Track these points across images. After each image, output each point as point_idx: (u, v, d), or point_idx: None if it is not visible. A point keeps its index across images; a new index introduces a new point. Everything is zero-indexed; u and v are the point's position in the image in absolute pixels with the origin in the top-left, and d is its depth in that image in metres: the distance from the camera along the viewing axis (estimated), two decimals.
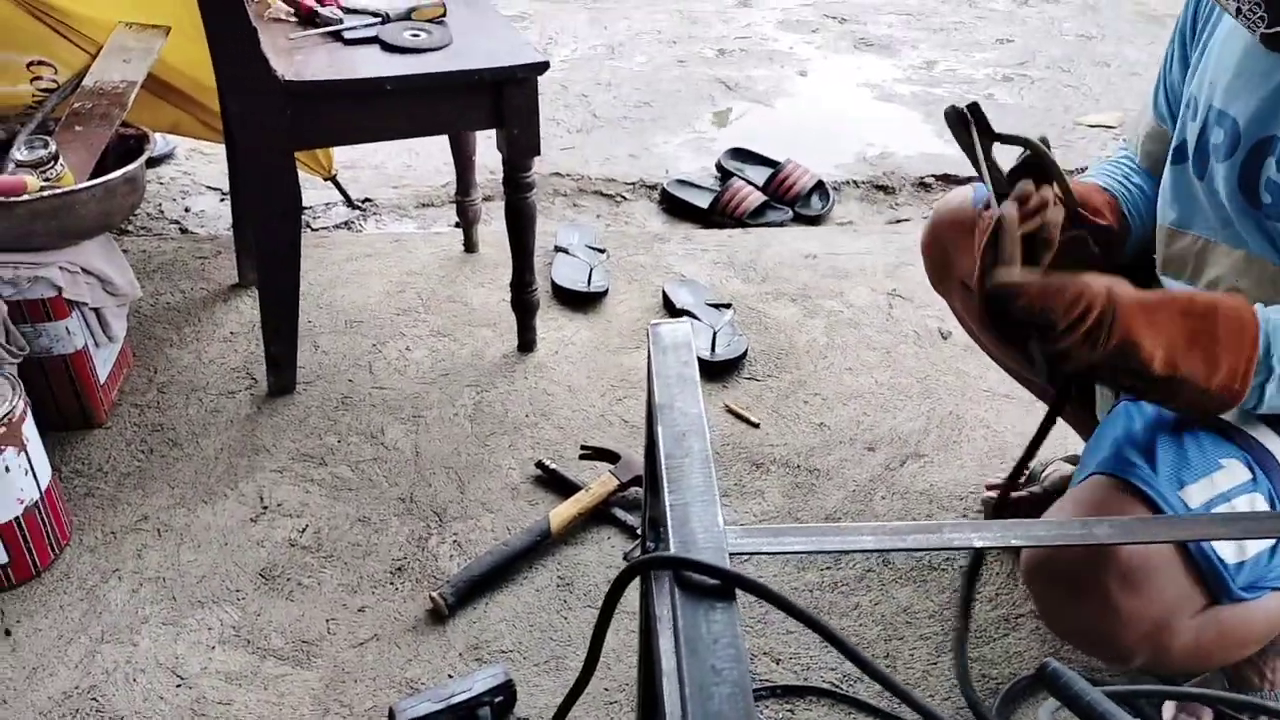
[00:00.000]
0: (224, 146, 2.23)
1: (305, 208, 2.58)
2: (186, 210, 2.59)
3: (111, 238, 1.85)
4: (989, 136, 1.08)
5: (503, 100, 1.74)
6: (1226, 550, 1.02)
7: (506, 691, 1.34)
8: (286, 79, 1.63)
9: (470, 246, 2.35)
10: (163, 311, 2.11)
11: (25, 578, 1.52)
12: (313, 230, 2.53)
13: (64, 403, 1.77)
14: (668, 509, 0.69)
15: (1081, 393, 1.38)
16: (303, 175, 2.15)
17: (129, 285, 1.84)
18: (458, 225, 2.50)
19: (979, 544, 0.76)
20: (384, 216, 2.61)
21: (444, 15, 1.88)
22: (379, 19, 1.84)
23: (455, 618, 1.49)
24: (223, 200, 2.63)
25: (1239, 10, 1.01)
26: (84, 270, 1.73)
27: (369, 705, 1.36)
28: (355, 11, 1.87)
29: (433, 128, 1.86)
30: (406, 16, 1.85)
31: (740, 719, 0.54)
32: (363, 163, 2.79)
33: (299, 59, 1.71)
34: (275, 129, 1.66)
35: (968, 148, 1.09)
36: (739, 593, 0.66)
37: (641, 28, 3.77)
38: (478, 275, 2.27)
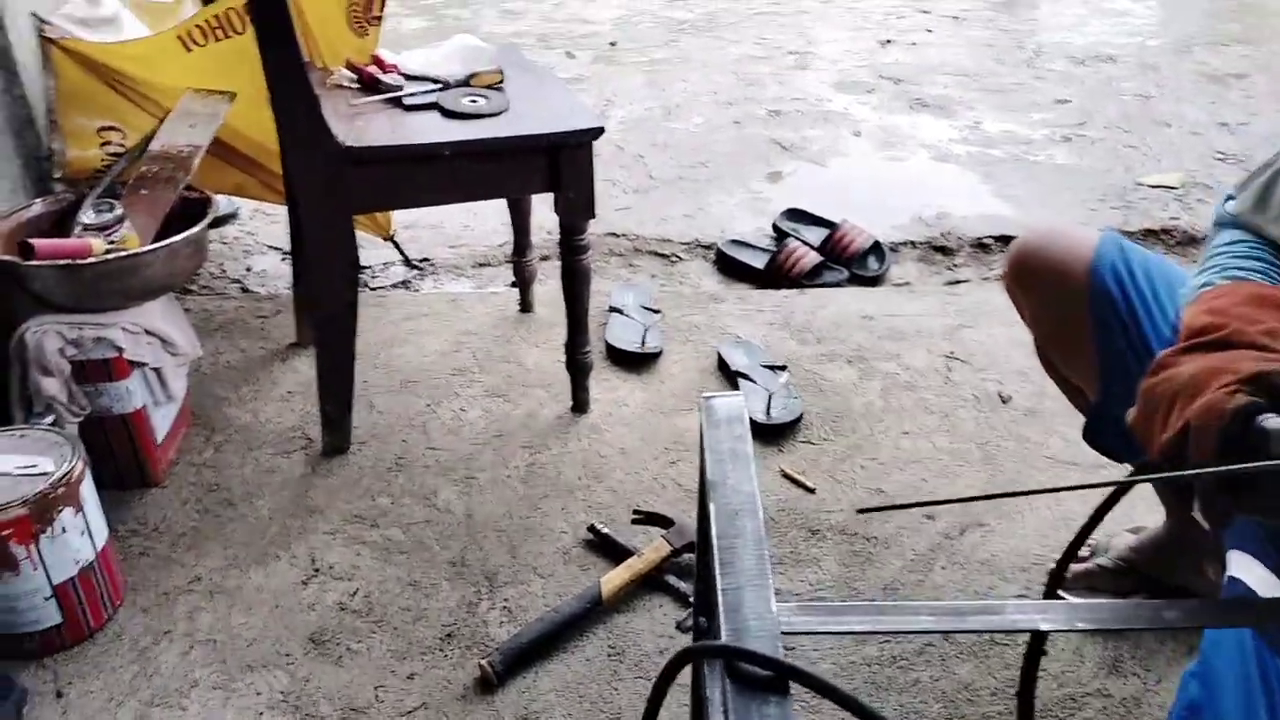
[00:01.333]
0: (285, 208, 2.28)
1: (364, 267, 2.61)
2: (248, 270, 2.63)
3: (174, 297, 1.88)
4: None
5: (559, 164, 1.75)
6: None
7: None
8: (347, 144, 1.65)
9: (526, 306, 2.36)
10: (222, 370, 2.14)
11: (78, 639, 1.53)
12: (371, 289, 2.56)
13: (122, 462, 1.79)
14: (719, 594, 0.67)
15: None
16: (362, 235, 2.19)
17: (189, 345, 1.86)
18: (513, 285, 2.52)
19: (1044, 627, 0.73)
20: (441, 276, 2.63)
21: (502, 81, 1.90)
22: (439, 85, 1.86)
23: (504, 687, 1.46)
24: (284, 260, 2.68)
25: None
26: (146, 331, 1.75)
27: None
28: (416, 78, 1.89)
29: (489, 192, 1.87)
30: (465, 83, 1.88)
31: None
32: (421, 223, 2.83)
33: (359, 124, 1.74)
34: (335, 192, 1.68)
35: None
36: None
37: (698, 89, 3.79)
38: (533, 335, 2.27)
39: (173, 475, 1.86)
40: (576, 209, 1.81)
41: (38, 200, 1.87)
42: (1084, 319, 1.30)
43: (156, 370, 1.80)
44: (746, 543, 0.71)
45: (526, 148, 1.73)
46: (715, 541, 0.70)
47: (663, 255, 2.71)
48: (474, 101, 1.82)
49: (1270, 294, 0.95)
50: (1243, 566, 1.08)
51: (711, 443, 0.80)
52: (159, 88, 1.99)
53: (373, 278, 2.62)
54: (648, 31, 4.45)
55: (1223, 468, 0.76)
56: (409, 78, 1.90)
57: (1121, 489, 1.05)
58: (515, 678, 1.47)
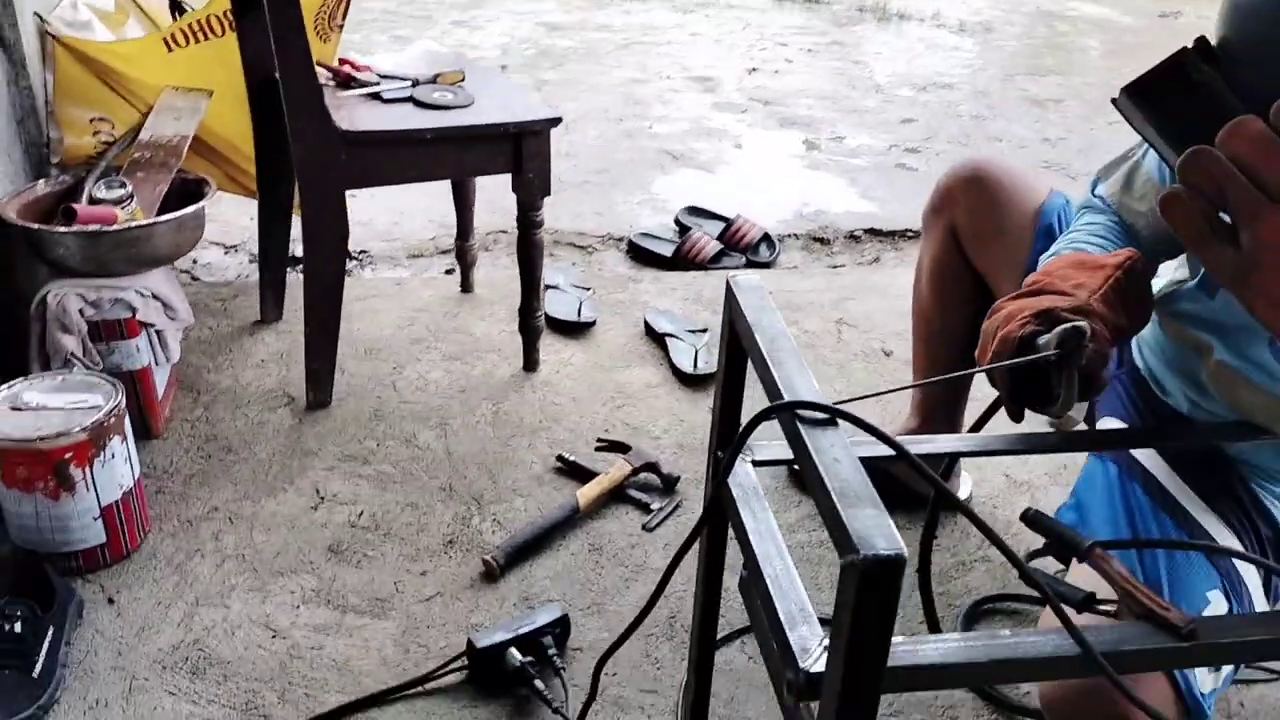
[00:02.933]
0: (247, 199, 2.50)
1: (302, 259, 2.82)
2: (194, 262, 2.81)
3: (171, 268, 2.08)
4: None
5: (521, 149, 2.05)
6: (1205, 680, 1.09)
7: (563, 624, 1.58)
8: (343, 129, 1.91)
9: (467, 287, 2.63)
10: (196, 344, 2.33)
11: (118, 557, 1.72)
12: None
13: (129, 414, 1.97)
14: (777, 379, 0.98)
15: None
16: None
17: (186, 312, 2.07)
18: (449, 272, 2.79)
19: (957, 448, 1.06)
20: (379, 265, 2.87)
21: (463, 80, 2.18)
22: (410, 83, 2.13)
23: (506, 577, 1.73)
24: (226, 253, 2.87)
25: None
26: (154, 295, 1.95)
27: (442, 645, 1.59)
28: (388, 76, 2.16)
29: (462, 171, 2.15)
30: (432, 80, 2.15)
31: (862, 480, 0.83)
32: (353, 220, 3.04)
33: (345, 114, 1.99)
34: (332, 171, 1.93)
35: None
36: None
37: (588, 107, 4.13)
38: (477, 311, 2.54)
39: (170, 429, 2.05)
40: (534, 189, 2.11)
41: (40, 181, 2.05)
42: (1026, 237, 1.57)
43: (159, 332, 2.00)
44: (787, 354, 1.02)
45: (495, 134, 2.02)
46: (766, 355, 1.01)
47: (580, 247, 3.02)
48: (444, 95, 2.09)
49: (1089, 259, 1.29)
50: (1106, 422, 1.47)
51: (746, 302, 1.11)
52: (143, 84, 2.19)
53: None
54: (533, 58, 4.77)
55: (986, 366, 1.13)
56: (382, 76, 2.16)
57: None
58: (514, 570, 1.75)
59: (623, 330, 2.49)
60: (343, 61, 2.21)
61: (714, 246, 2.90)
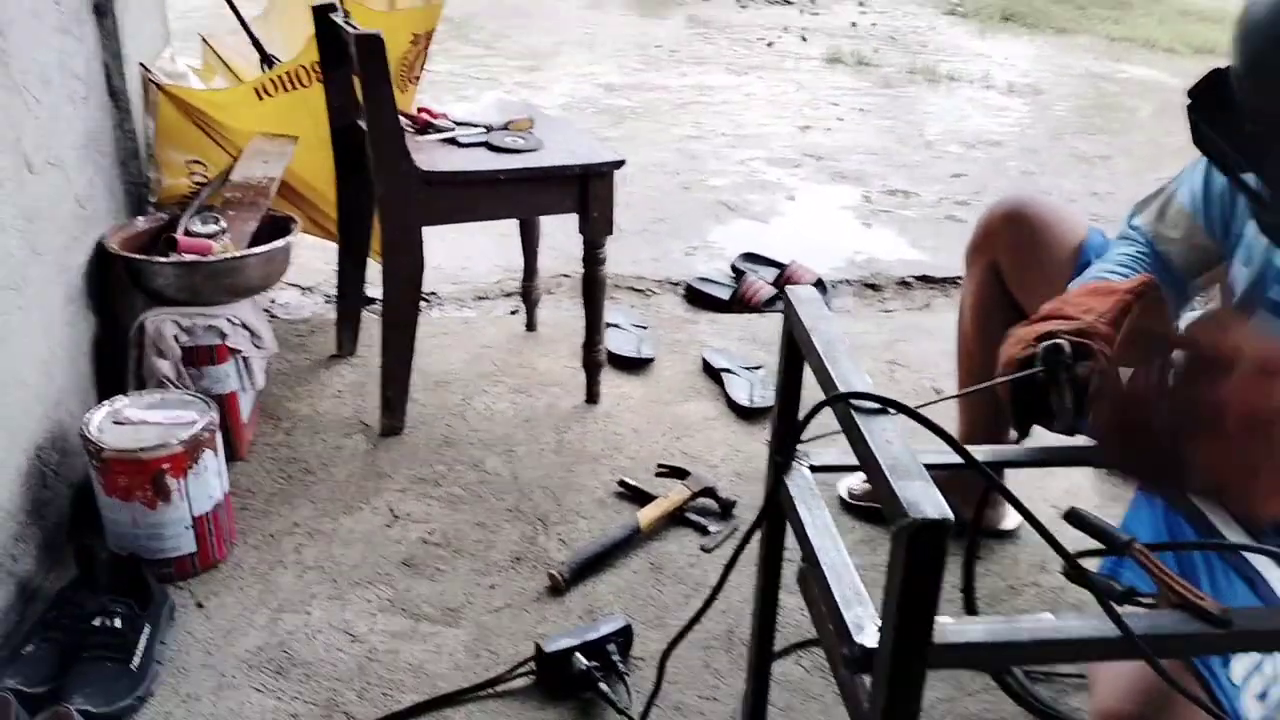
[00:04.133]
0: (325, 241, 2.65)
1: (378, 299, 2.95)
2: (273, 301, 2.95)
3: (257, 301, 2.22)
4: None
5: (588, 190, 2.17)
6: (1253, 709, 1.12)
7: (627, 634, 1.66)
8: (423, 170, 2.04)
9: (531, 326, 2.74)
10: (276, 376, 2.45)
11: (207, 566, 1.82)
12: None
13: None
14: (833, 375, 1.06)
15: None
16: (379, 268, 2.55)
17: (271, 341, 2.19)
18: (513, 312, 2.91)
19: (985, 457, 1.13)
20: (446, 306, 3.00)
21: (532, 126, 2.31)
22: (483, 129, 2.27)
23: (571, 591, 1.81)
24: (303, 294, 3.01)
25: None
26: (243, 324, 2.08)
27: (511, 652, 1.67)
28: (463, 124, 2.30)
29: (531, 210, 2.28)
30: (504, 127, 2.28)
31: (911, 458, 0.91)
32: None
33: (424, 156, 2.12)
34: (412, 209, 2.06)
35: None
36: None
37: (646, 161, 4.27)
38: (541, 348, 2.65)
39: (253, 452, 2.17)
40: (599, 227, 2.22)
41: (140, 218, 2.20)
42: (1066, 273, 1.61)
43: (246, 360, 2.12)
44: (842, 354, 1.11)
45: (563, 175, 2.14)
46: (823, 354, 1.10)
47: (638, 290, 3.13)
48: (515, 140, 2.22)
49: (1104, 286, 1.36)
50: None
51: (804, 310, 1.20)
52: (235, 130, 2.34)
53: None
54: (594, 116, 4.94)
55: (986, 383, 1.23)
56: (457, 124, 2.30)
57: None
58: (578, 585, 1.83)
59: (680, 367, 2.58)
60: (420, 110, 2.35)
61: (769, 290, 2.99)
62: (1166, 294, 1.36)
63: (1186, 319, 1.59)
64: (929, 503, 0.84)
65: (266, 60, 2.55)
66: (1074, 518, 1.15)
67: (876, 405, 1.02)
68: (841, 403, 1.04)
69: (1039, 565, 1.93)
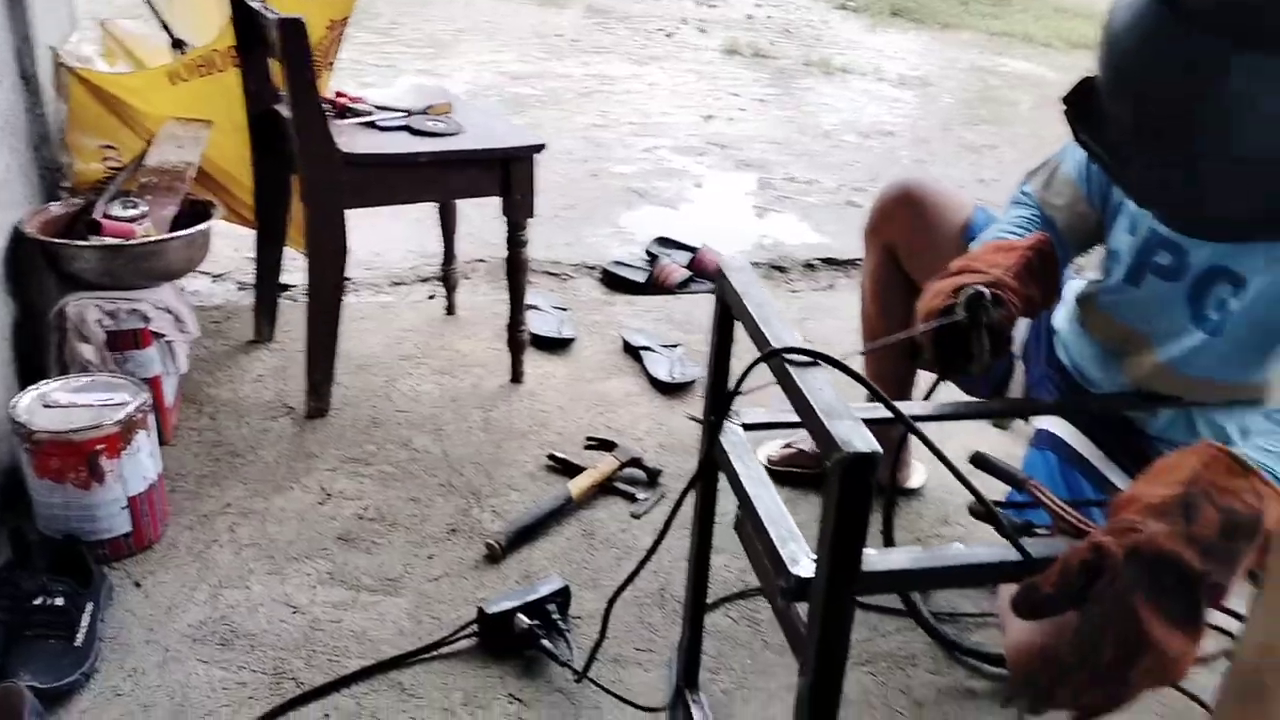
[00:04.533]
0: (234, 228, 2.65)
1: (293, 285, 2.96)
2: (182, 289, 2.92)
3: (178, 284, 2.22)
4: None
5: (509, 173, 2.23)
6: None
7: (565, 594, 1.73)
8: (346, 152, 2.07)
9: (450, 309, 2.78)
10: (196, 362, 2.44)
11: (142, 546, 1.83)
12: (297, 302, 2.91)
13: None
14: (767, 334, 1.15)
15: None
16: (293, 254, 2.58)
17: (194, 325, 2.20)
18: (431, 297, 2.95)
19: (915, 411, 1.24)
20: (363, 292, 3.02)
21: (452, 110, 2.36)
22: (403, 113, 2.30)
23: (507, 559, 1.87)
24: (215, 281, 2.99)
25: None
26: (166, 309, 2.09)
27: (453, 617, 1.73)
28: (381, 108, 2.33)
29: (453, 193, 2.32)
30: (424, 111, 2.32)
31: (841, 401, 1.00)
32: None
33: (346, 140, 2.15)
34: (336, 191, 2.09)
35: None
36: None
37: (555, 150, 4.29)
38: (462, 331, 2.70)
39: (178, 436, 2.17)
40: (521, 209, 2.28)
41: (54, 203, 2.18)
42: (955, 251, 1.76)
43: (170, 343, 2.12)
44: (773, 315, 1.20)
45: (485, 158, 2.20)
46: (756, 316, 1.19)
47: (555, 274, 3.19)
48: (435, 124, 2.27)
49: (1005, 244, 1.51)
50: (1045, 419, 1.66)
51: (736, 278, 1.28)
52: (148, 115, 2.33)
53: (300, 294, 2.97)
54: (499, 105, 4.97)
55: (908, 331, 1.36)
56: (376, 108, 2.33)
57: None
58: (514, 553, 1.89)
59: (601, 347, 2.66)
60: (338, 94, 2.37)
61: (682, 274, 3.09)
62: (1057, 251, 1.50)
63: (1071, 287, 1.73)
64: (859, 438, 0.94)
65: (177, 45, 2.54)
66: (979, 460, 1.27)
67: (808, 359, 1.11)
68: (777, 357, 1.12)
69: (942, 519, 2.07)
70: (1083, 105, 1.34)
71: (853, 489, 0.94)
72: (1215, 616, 1.06)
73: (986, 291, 1.33)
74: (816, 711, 1.06)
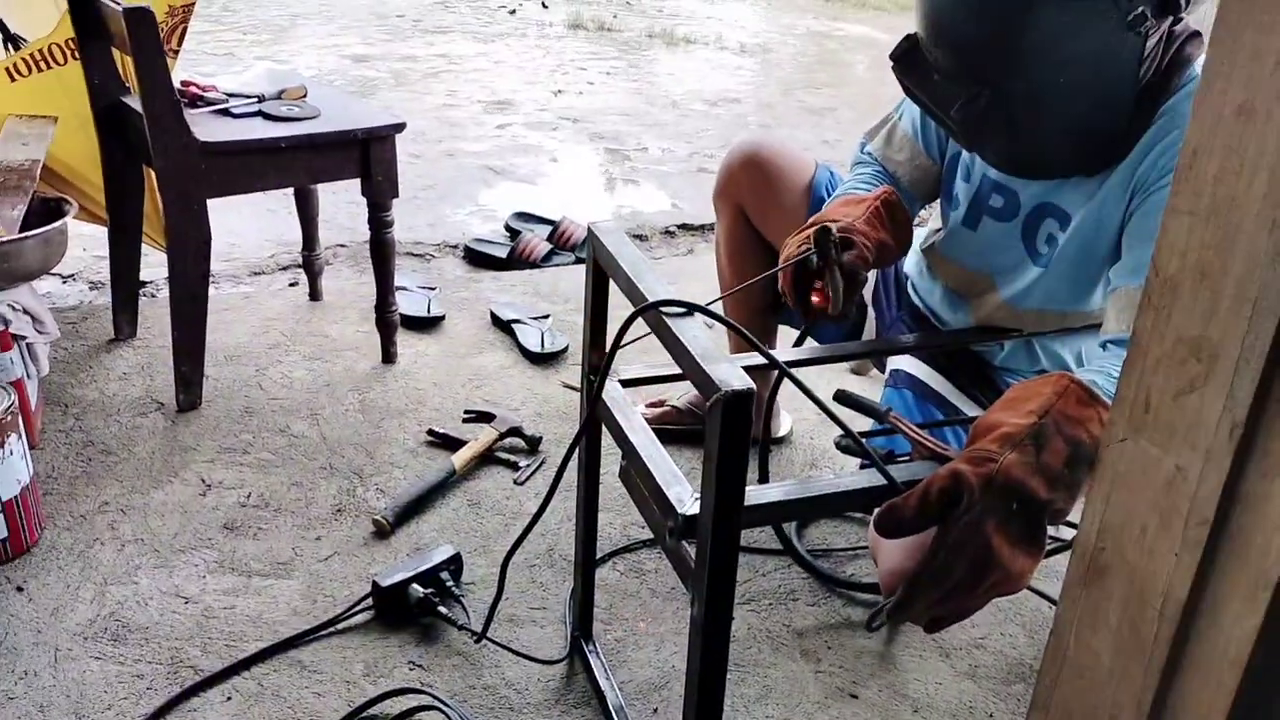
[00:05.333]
0: (82, 229, 2.58)
1: (149, 281, 2.90)
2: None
3: (34, 285, 2.16)
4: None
5: (370, 154, 2.24)
6: None
7: (457, 561, 1.78)
8: (203, 141, 2.05)
9: (315, 295, 2.77)
10: (55, 364, 2.38)
11: (20, 551, 1.80)
12: (156, 298, 2.85)
13: None
14: (642, 289, 1.23)
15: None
16: (150, 250, 2.55)
17: (53, 326, 2.15)
18: (293, 284, 2.93)
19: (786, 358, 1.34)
20: (222, 284, 2.97)
21: (306, 95, 2.35)
22: (256, 98, 2.29)
23: (396, 533, 1.91)
24: (64, 282, 2.90)
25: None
26: (24, 309, 2.04)
27: (346, 594, 1.76)
28: (234, 95, 2.31)
29: (315, 177, 2.31)
30: (278, 96, 2.31)
31: (718, 347, 1.09)
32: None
33: (201, 129, 2.13)
34: (194, 181, 2.07)
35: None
36: None
37: (406, 131, 4.29)
38: (329, 316, 2.70)
39: (45, 439, 2.12)
40: (383, 189, 2.30)
41: None
42: (802, 208, 1.87)
43: (30, 346, 2.07)
44: (646, 271, 1.27)
45: (345, 140, 2.21)
46: (630, 273, 1.26)
47: (418, 255, 3.20)
48: (290, 109, 2.26)
49: (854, 197, 1.64)
50: (898, 361, 1.79)
51: (608, 240, 1.35)
52: None
53: (157, 290, 2.91)
54: (344, 88, 4.91)
55: (766, 273, 1.50)
56: (228, 95, 2.31)
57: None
58: (402, 527, 1.93)
59: (470, 323, 2.70)
60: (186, 83, 2.34)
61: (544, 247, 3.14)
62: (904, 202, 1.63)
63: (918, 236, 1.87)
64: (736, 378, 1.03)
65: (11, 40, 2.45)
66: (843, 396, 1.38)
67: (683, 309, 1.20)
68: (653, 310, 1.20)
69: (810, 463, 2.20)
70: (908, 59, 1.47)
71: (734, 424, 1.03)
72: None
73: (833, 227, 1.45)
74: (709, 638, 1.15)
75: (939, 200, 1.79)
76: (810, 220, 1.56)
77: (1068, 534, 1.81)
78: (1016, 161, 1.48)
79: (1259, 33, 0.62)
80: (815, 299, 1.50)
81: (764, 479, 1.65)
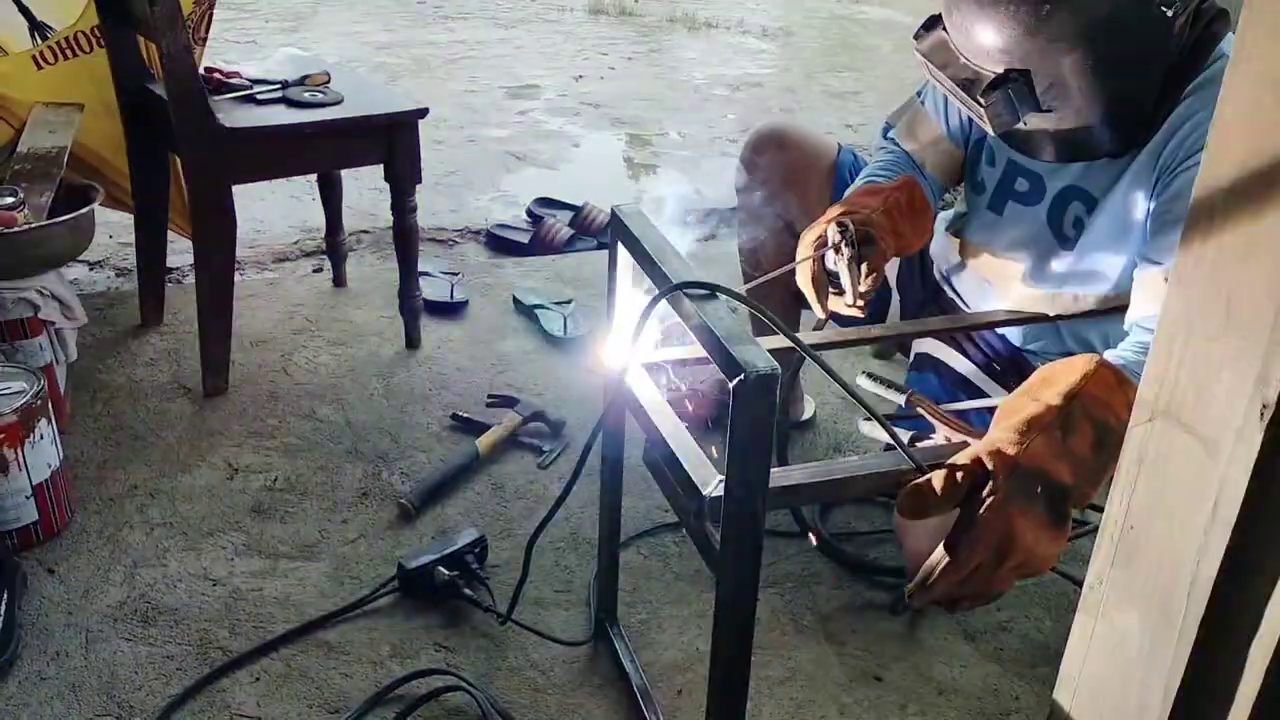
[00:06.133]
0: (109, 215, 2.60)
1: (175, 268, 2.92)
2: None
3: (61, 271, 2.18)
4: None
5: (393, 139, 2.25)
6: None
7: (482, 545, 1.79)
8: (229, 127, 2.07)
9: (339, 281, 2.78)
10: (82, 350, 2.40)
11: (50, 534, 1.82)
12: (182, 285, 2.87)
13: None
14: (666, 271, 1.23)
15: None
16: (175, 236, 2.56)
17: (80, 311, 2.17)
18: (317, 270, 2.94)
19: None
20: (247, 270, 2.99)
21: (329, 80, 2.36)
22: (280, 85, 2.30)
23: (421, 516, 1.92)
24: (92, 269, 2.93)
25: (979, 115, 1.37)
26: (53, 295, 2.06)
27: (372, 575, 1.77)
28: (258, 81, 2.32)
29: (339, 163, 2.33)
30: (301, 82, 2.32)
31: (742, 327, 1.08)
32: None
33: (225, 115, 2.14)
34: (220, 167, 2.08)
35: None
36: None
37: (429, 116, 4.30)
38: (354, 301, 2.71)
39: (74, 423, 2.14)
40: (406, 175, 2.31)
41: None
42: (825, 192, 1.86)
43: (59, 331, 2.09)
44: (670, 255, 1.27)
45: (368, 126, 2.21)
46: (654, 255, 1.26)
47: (440, 241, 3.21)
48: (314, 95, 2.27)
49: (874, 187, 1.63)
50: (923, 344, 1.78)
51: (631, 223, 1.35)
52: (15, 101, 2.27)
53: (183, 276, 2.93)
54: (367, 75, 4.91)
55: (787, 266, 1.51)
56: (252, 81, 2.32)
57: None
58: (427, 510, 1.94)
59: (493, 308, 2.71)
60: (210, 70, 2.35)
61: (567, 232, 3.14)
62: (925, 191, 1.62)
63: (943, 219, 1.86)
64: (760, 359, 1.02)
65: (38, 28, 2.47)
66: (868, 376, 1.38)
67: (706, 292, 1.19)
68: (677, 292, 1.20)
69: (834, 447, 2.19)
70: (932, 42, 1.46)
71: (758, 406, 1.03)
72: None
73: (849, 222, 1.44)
74: (734, 619, 1.16)
75: (963, 184, 1.77)
76: (828, 212, 1.56)
77: (1094, 517, 1.80)
78: (1043, 145, 1.47)
79: None
80: (832, 292, 1.50)
81: (782, 461, 1.65)
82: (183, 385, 2.30)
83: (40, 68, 2.30)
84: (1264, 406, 0.66)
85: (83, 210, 2.08)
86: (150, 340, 2.49)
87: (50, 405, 1.82)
